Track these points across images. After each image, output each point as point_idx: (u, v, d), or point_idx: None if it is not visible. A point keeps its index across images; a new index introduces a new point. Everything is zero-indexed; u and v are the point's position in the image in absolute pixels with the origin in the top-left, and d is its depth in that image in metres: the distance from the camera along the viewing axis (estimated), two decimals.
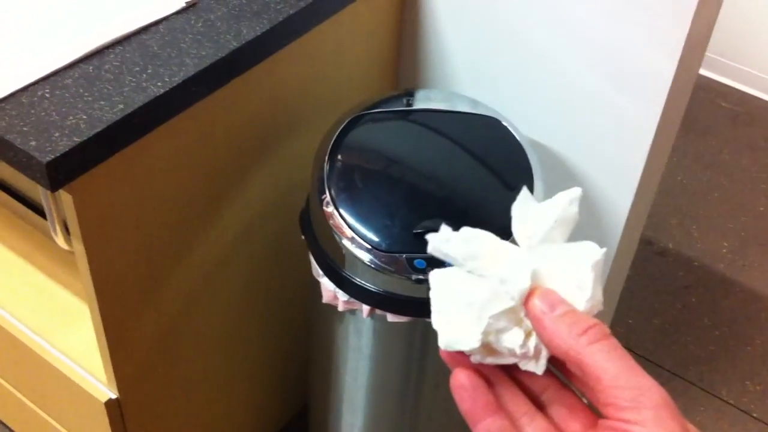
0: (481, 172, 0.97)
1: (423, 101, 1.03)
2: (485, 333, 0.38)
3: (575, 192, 0.41)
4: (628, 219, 1.08)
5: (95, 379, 0.99)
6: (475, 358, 0.39)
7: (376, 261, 0.87)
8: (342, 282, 0.91)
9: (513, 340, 0.39)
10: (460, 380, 0.39)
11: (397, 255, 0.87)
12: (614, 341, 0.36)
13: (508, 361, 0.39)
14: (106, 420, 0.99)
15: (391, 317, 0.90)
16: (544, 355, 0.39)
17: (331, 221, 0.90)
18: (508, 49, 1.04)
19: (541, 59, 1.02)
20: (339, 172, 0.93)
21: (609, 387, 0.35)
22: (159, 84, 0.82)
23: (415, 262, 0.87)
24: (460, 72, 1.09)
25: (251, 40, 0.88)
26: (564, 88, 1.02)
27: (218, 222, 0.99)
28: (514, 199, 0.42)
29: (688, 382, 1.56)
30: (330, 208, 0.90)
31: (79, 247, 0.83)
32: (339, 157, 0.95)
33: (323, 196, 0.91)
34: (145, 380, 1.01)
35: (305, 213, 0.97)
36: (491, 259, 0.40)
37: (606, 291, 1.15)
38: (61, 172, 0.74)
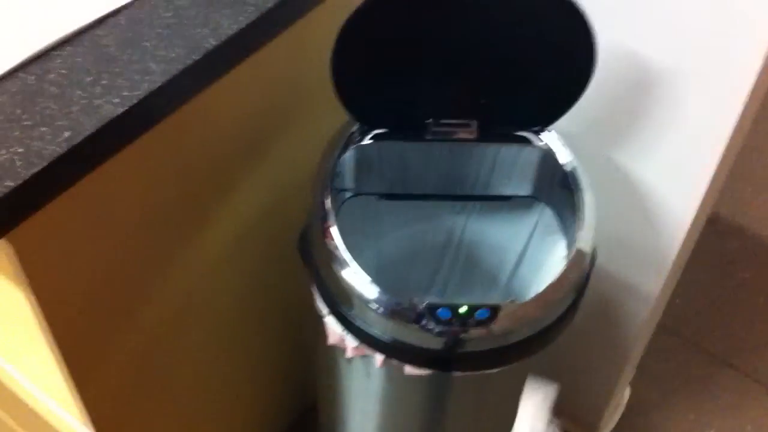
0: None
1: None
2: None
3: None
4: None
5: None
6: None
7: (387, 306, 0.72)
8: (351, 325, 0.76)
9: None
10: None
11: (414, 302, 0.72)
12: None
13: None
14: None
15: (409, 369, 0.76)
16: None
17: (331, 251, 0.74)
18: None
19: None
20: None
21: None
22: (116, 100, 0.65)
23: (439, 312, 0.71)
24: None
25: (233, 35, 0.71)
26: None
27: (199, 246, 0.84)
28: None
29: (741, 373, 1.41)
30: (332, 238, 0.74)
31: (30, 298, 0.69)
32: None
33: (324, 220, 0.75)
34: (126, 414, 0.89)
35: (305, 237, 0.82)
36: None
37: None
38: None
